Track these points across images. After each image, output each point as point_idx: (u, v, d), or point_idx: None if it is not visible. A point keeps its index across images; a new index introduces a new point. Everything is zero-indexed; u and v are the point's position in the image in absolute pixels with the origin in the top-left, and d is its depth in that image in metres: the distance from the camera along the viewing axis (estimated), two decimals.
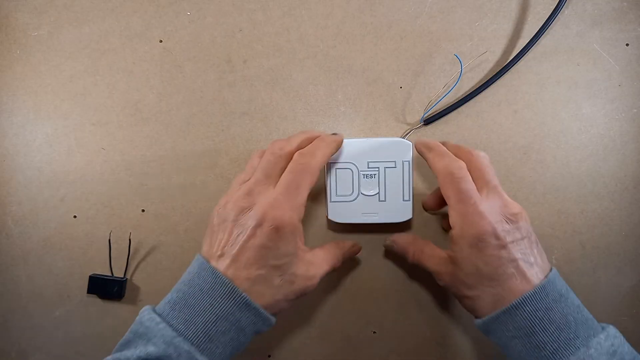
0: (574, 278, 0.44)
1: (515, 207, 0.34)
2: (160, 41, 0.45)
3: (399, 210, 0.40)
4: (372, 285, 0.45)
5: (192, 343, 0.31)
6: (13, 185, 0.46)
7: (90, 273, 0.46)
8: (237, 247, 0.33)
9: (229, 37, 0.45)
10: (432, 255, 0.38)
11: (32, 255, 0.46)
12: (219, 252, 0.34)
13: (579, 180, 0.44)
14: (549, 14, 0.42)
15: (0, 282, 0.47)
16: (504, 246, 0.33)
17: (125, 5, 0.46)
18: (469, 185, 0.34)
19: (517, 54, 0.42)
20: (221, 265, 0.33)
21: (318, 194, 0.45)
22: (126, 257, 0.45)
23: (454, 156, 0.36)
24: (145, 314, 0.32)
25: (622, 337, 0.32)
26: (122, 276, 0.46)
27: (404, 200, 0.40)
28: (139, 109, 0.46)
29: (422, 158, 0.39)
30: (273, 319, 0.34)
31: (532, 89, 0.44)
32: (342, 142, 0.39)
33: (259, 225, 0.33)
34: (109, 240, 0.45)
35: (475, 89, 0.43)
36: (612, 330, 0.32)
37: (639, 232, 0.44)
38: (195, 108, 0.45)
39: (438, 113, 0.43)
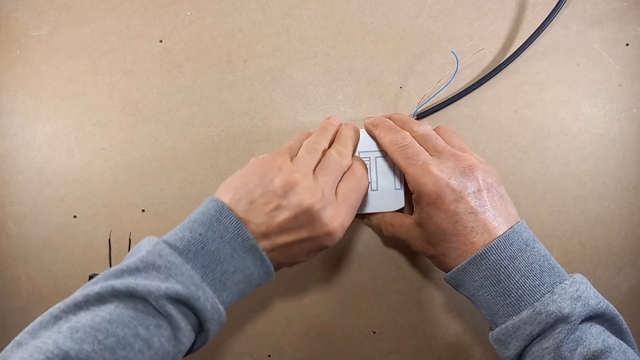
0: None
1: (469, 159, 0.35)
2: (160, 41, 0.45)
3: (391, 199, 0.40)
4: (372, 285, 0.45)
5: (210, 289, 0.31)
6: (13, 185, 0.46)
7: (90, 273, 0.46)
8: (287, 238, 0.33)
9: (229, 37, 0.45)
10: (401, 225, 0.39)
11: (32, 255, 0.46)
12: (262, 228, 0.32)
13: (579, 180, 0.44)
14: (548, 14, 0.42)
15: (0, 282, 0.47)
16: (460, 199, 0.33)
17: (125, 5, 0.46)
18: (415, 149, 0.35)
19: (513, 53, 0.42)
20: (262, 242, 0.32)
21: None
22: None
23: (398, 128, 0.38)
24: (163, 247, 0.30)
25: (588, 283, 0.32)
26: None
27: (395, 189, 0.40)
28: (139, 109, 0.46)
29: None
30: (274, 276, 0.35)
31: (532, 89, 0.44)
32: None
33: (320, 235, 0.33)
34: (109, 240, 0.45)
35: (469, 85, 0.43)
36: (578, 277, 0.32)
37: (639, 232, 0.44)
38: (195, 108, 0.45)
39: (431, 108, 0.43)
